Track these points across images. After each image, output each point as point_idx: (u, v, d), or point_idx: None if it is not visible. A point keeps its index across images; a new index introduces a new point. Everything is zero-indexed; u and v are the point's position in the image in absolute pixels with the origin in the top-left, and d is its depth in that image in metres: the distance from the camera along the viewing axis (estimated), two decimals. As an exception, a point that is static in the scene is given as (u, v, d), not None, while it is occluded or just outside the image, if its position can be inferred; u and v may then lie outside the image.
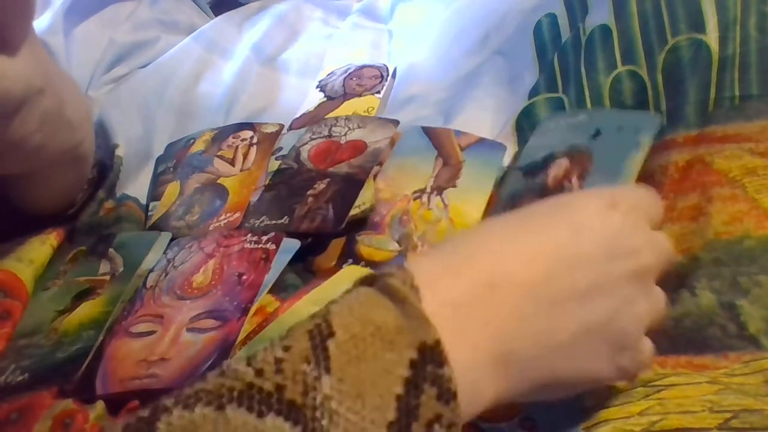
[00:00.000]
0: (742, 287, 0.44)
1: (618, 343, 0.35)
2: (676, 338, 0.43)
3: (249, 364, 0.28)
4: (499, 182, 0.51)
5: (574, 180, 0.49)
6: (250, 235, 0.52)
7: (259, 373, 0.28)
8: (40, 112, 0.46)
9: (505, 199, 0.50)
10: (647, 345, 0.36)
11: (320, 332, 0.29)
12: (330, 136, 0.60)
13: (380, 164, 0.57)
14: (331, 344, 0.29)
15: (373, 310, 0.30)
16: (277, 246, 0.50)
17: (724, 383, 0.40)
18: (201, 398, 0.27)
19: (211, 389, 0.27)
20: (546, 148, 0.52)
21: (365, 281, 0.32)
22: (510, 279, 0.33)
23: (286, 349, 0.29)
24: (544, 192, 0.49)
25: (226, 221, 0.55)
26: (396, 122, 0.60)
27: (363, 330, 0.29)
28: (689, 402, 0.38)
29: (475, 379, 0.31)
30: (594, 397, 0.41)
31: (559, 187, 0.49)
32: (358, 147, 0.58)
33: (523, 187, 0.50)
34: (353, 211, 0.52)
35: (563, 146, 0.51)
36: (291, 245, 0.50)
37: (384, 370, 0.29)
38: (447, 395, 0.29)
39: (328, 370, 0.28)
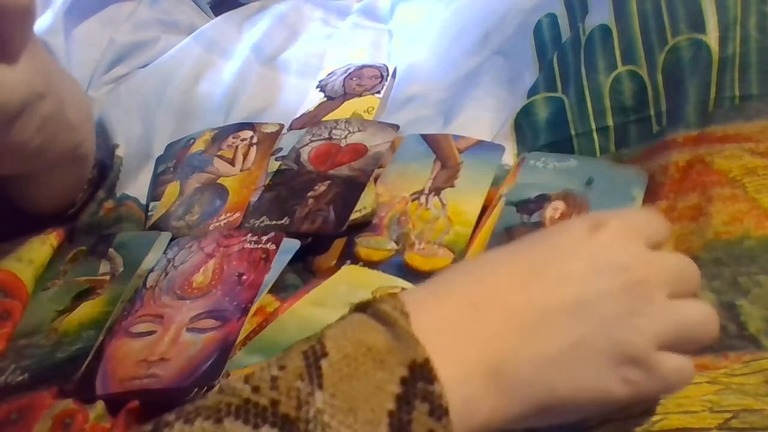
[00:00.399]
0: (742, 287, 0.44)
1: (621, 356, 0.34)
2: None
3: (246, 382, 0.30)
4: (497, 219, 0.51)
5: None
6: (250, 235, 0.52)
7: (256, 389, 0.29)
8: (41, 115, 0.46)
9: (500, 232, 0.50)
10: (668, 360, 0.35)
11: (314, 352, 0.30)
12: (330, 138, 0.60)
13: (381, 167, 0.57)
14: (324, 363, 0.30)
15: (364, 333, 0.31)
16: (277, 246, 0.50)
17: (724, 383, 0.40)
18: (200, 413, 0.28)
19: (210, 405, 0.29)
20: (538, 187, 0.52)
21: (359, 308, 0.33)
22: (493, 299, 0.34)
23: (282, 368, 0.30)
24: None
25: (226, 221, 0.55)
26: (396, 127, 0.60)
27: (355, 350, 0.30)
28: (689, 402, 0.38)
29: (466, 394, 0.32)
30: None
31: None
32: (359, 150, 0.58)
33: (518, 222, 0.50)
34: (354, 215, 0.52)
35: (556, 188, 0.51)
36: (291, 245, 0.50)
37: (375, 387, 0.30)
38: (438, 411, 0.30)
39: (321, 387, 0.29)
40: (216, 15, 0.82)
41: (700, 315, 0.36)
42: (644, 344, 0.34)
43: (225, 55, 0.76)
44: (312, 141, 0.60)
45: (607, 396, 0.34)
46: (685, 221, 0.49)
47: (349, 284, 0.44)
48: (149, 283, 0.50)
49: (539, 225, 0.50)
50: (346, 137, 0.60)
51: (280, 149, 0.61)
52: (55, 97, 0.47)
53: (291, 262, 0.50)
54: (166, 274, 0.50)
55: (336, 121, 0.62)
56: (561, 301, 0.34)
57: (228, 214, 0.56)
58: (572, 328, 0.34)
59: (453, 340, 0.32)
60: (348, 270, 0.49)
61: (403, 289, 0.45)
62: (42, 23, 0.72)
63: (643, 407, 0.38)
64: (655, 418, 0.38)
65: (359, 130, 0.60)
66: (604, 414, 0.37)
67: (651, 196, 0.51)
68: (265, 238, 0.51)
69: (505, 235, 0.50)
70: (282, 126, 0.63)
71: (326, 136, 0.61)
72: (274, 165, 0.59)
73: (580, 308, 0.34)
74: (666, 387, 0.36)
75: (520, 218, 0.50)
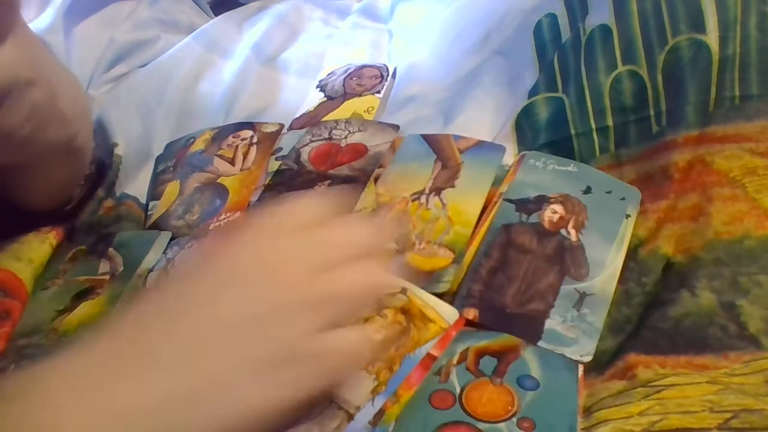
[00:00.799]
0: (742, 287, 0.44)
1: (273, 360, 0.33)
2: (676, 338, 0.43)
3: None
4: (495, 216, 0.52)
5: (572, 230, 0.49)
6: (250, 235, 0.52)
7: None
8: (29, 103, 0.46)
9: (498, 228, 0.50)
10: (332, 341, 0.34)
11: None
12: (330, 138, 0.60)
13: (381, 167, 0.57)
14: None
15: None
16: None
17: (724, 383, 0.40)
18: None
19: None
20: (537, 187, 0.52)
21: None
22: (127, 344, 0.33)
23: None
24: (544, 233, 0.49)
25: (226, 221, 0.55)
26: (396, 127, 0.60)
27: None
28: (689, 402, 0.38)
29: None
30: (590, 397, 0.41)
31: (557, 232, 0.49)
32: (359, 150, 0.58)
33: (516, 220, 0.50)
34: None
35: (555, 190, 0.52)
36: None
37: None
38: None
39: None
40: (216, 15, 0.82)
41: (354, 282, 0.36)
42: (293, 338, 0.34)
43: (225, 55, 0.76)
44: (312, 141, 0.60)
45: (273, 405, 0.33)
46: (685, 221, 0.49)
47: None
48: (150, 283, 0.50)
49: (538, 226, 0.50)
50: (346, 137, 0.60)
51: (280, 149, 0.61)
52: (46, 87, 0.47)
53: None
54: (167, 275, 0.50)
55: (336, 121, 0.62)
56: (190, 331, 0.33)
57: (228, 214, 0.56)
58: (210, 353, 0.33)
59: (80, 399, 0.31)
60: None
61: (403, 289, 0.45)
62: (42, 22, 0.72)
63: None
64: (654, 418, 0.38)
65: (359, 130, 0.60)
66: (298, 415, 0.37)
67: (651, 196, 0.51)
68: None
69: (503, 231, 0.50)
70: (282, 126, 0.63)
71: (326, 136, 0.61)
72: (274, 165, 0.59)
73: (214, 331, 0.33)
74: (341, 365, 0.35)
75: (519, 217, 0.51)
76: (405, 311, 0.43)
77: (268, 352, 0.33)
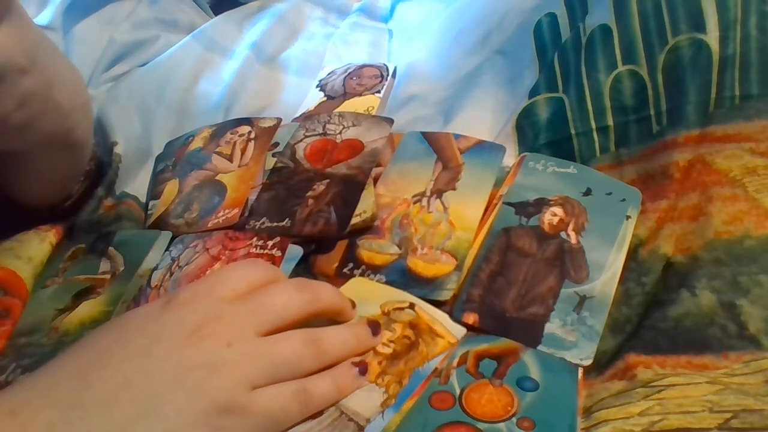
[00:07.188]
0: (742, 287, 0.44)
1: (207, 409, 0.35)
2: (676, 338, 0.43)
3: None
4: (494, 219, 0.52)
5: (572, 232, 0.49)
6: (255, 238, 0.52)
7: None
8: (22, 91, 0.45)
9: (498, 232, 0.50)
10: (262, 398, 0.36)
11: None
12: (325, 134, 0.60)
13: (379, 165, 0.56)
14: None
15: None
16: (283, 252, 0.50)
17: (724, 383, 0.40)
18: None
19: None
20: (536, 190, 0.52)
21: None
22: (41, 399, 0.34)
23: None
24: (543, 236, 0.49)
25: (224, 217, 0.55)
26: (390, 120, 0.60)
27: None
28: (689, 402, 0.38)
29: None
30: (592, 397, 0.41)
31: (557, 235, 0.49)
32: (355, 147, 0.58)
33: (516, 223, 0.50)
34: (354, 220, 0.52)
35: (555, 193, 0.52)
36: (295, 252, 0.50)
37: None
38: None
39: None
40: (216, 14, 0.82)
41: (288, 349, 0.38)
42: (228, 391, 0.35)
43: (225, 54, 0.76)
44: (306, 136, 0.60)
45: None
46: (685, 221, 0.49)
47: (356, 297, 0.44)
48: (154, 282, 0.50)
49: (537, 229, 0.50)
50: (341, 132, 0.59)
51: (277, 143, 0.61)
52: (42, 77, 0.47)
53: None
54: (171, 274, 0.50)
55: (329, 115, 0.62)
56: (122, 380, 0.35)
57: (226, 211, 0.56)
58: (137, 401, 0.34)
59: None
60: (355, 283, 0.48)
61: (411, 303, 0.45)
62: (41, 21, 0.72)
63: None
64: (655, 418, 0.38)
65: (353, 125, 0.60)
66: None
67: (652, 195, 0.51)
68: (270, 243, 0.51)
69: (503, 234, 0.50)
70: (279, 120, 0.63)
71: (320, 131, 0.60)
72: (271, 162, 0.59)
73: (141, 382, 0.35)
74: (272, 422, 0.37)
75: (518, 220, 0.51)
76: (413, 326, 0.44)
77: (196, 402, 0.35)
